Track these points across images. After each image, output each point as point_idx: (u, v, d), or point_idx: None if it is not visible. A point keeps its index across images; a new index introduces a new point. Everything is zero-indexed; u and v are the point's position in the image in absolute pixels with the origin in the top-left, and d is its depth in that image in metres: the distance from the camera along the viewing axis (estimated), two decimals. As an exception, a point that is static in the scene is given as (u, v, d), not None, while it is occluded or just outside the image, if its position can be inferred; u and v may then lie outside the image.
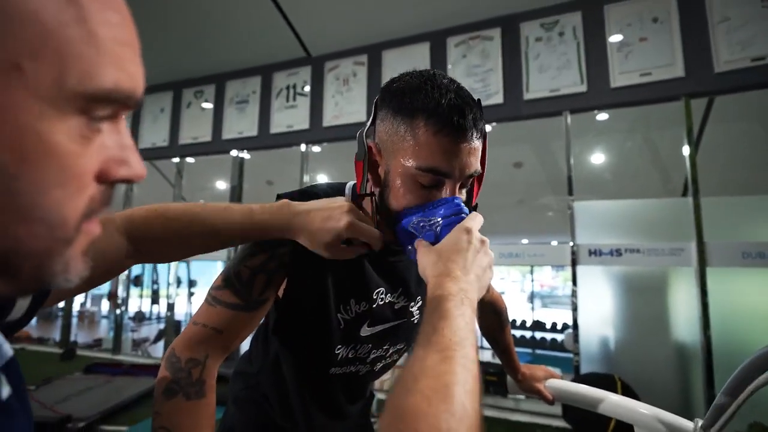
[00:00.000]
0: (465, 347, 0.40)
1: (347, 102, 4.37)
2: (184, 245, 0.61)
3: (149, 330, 8.05)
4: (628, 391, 2.77)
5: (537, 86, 3.48)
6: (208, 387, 0.57)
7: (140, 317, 9.31)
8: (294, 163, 4.66)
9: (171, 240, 0.59)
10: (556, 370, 1.10)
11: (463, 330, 0.42)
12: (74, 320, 9.22)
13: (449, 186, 0.58)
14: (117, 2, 0.28)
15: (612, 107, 3.41)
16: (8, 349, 0.40)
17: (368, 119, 0.68)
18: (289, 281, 0.67)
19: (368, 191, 0.65)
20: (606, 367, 3.20)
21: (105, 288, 11.84)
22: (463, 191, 0.62)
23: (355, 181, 0.68)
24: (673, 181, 4.71)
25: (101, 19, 0.26)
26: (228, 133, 4.97)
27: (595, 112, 3.49)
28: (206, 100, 5.17)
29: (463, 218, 0.56)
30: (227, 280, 0.64)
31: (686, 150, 3.14)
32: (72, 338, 5.90)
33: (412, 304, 0.78)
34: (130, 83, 0.28)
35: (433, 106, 0.55)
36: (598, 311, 3.31)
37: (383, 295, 0.73)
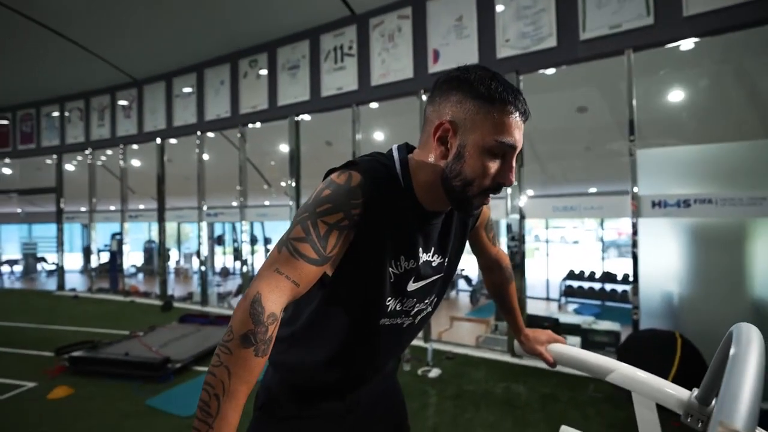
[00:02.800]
0: None
1: (394, 59, 4.29)
2: None
3: (234, 284, 8.95)
4: (689, 349, 2.65)
5: (595, 24, 3.15)
6: (270, 347, 0.62)
7: (225, 272, 10.37)
8: (349, 123, 4.74)
9: None
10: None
11: None
12: (172, 276, 10.57)
13: (510, 155, 0.74)
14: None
15: (687, 39, 2.99)
16: None
17: (435, 100, 0.77)
18: (356, 238, 0.73)
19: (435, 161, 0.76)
20: (669, 324, 3.06)
21: (194, 247, 13.25)
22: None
23: (398, 146, 0.83)
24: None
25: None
26: (283, 99, 5.16)
27: (673, 44, 3.07)
28: (260, 69, 5.35)
29: None
30: (306, 231, 0.68)
31: (777, 82, 2.71)
32: (170, 292, 6.81)
33: (445, 261, 0.88)
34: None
35: (511, 98, 0.71)
36: (662, 264, 3.12)
37: (422, 254, 0.82)
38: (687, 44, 3.13)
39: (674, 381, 0.88)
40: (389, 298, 0.79)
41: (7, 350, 4.11)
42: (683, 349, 2.62)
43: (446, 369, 3.40)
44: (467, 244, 1.02)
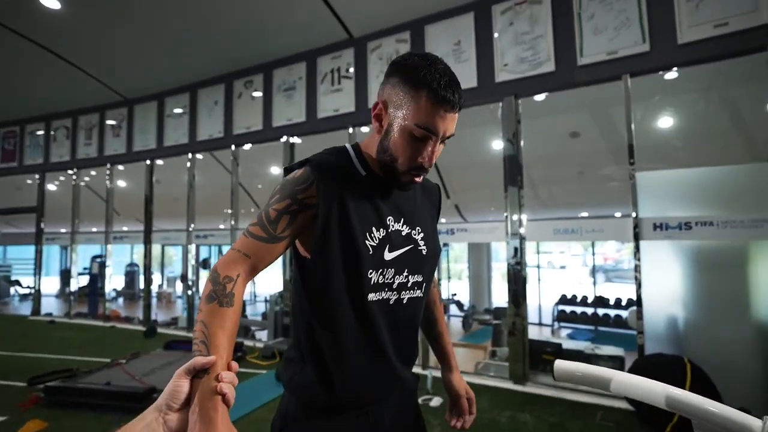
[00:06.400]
0: None
1: (391, 81, 4.31)
2: None
3: (219, 309, 8.64)
4: (698, 373, 2.60)
5: (592, 50, 3.22)
6: (236, 299, 0.73)
7: (210, 297, 10.04)
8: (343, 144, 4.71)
9: None
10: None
11: None
12: (154, 301, 10.18)
13: (433, 141, 0.80)
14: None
15: (680, 66, 3.07)
16: None
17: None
18: (321, 218, 0.81)
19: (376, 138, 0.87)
20: (674, 349, 3.00)
21: (177, 270, 12.87)
22: (440, 145, 0.83)
23: (352, 144, 0.93)
24: (759, 144, 4.20)
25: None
26: (278, 120, 5.12)
27: (662, 72, 3.16)
28: (255, 90, 5.33)
29: None
30: (259, 218, 0.81)
31: (772, 108, 2.78)
32: (153, 317, 6.52)
33: (414, 232, 0.93)
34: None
35: (435, 85, 0.76)
36: (665, 288, 3.10)
37: (392, 223, 0.89)
38: (671, 73, 3.22)
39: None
40: (371, 270, 0.84)
41: (-24, 380, 3.82)
42: (693, 374, 2.56)
43: (447, 397, 3.26)
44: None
